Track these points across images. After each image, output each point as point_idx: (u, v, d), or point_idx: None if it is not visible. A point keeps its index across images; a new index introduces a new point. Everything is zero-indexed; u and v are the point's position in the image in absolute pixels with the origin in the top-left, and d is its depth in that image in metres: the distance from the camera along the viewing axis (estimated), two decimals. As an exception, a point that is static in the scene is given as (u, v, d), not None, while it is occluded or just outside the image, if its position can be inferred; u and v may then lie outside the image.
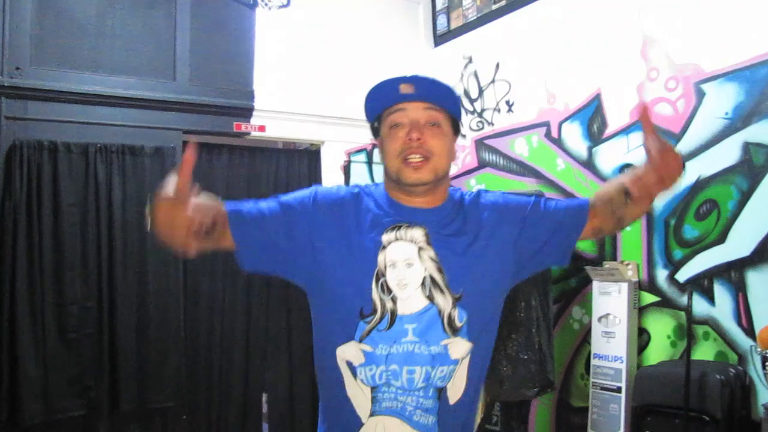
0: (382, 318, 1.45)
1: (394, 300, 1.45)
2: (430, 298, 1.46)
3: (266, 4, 4.48)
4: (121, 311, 3.80)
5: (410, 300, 1.46)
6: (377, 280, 1.45)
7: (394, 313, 1.45)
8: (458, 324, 1.48)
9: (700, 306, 3.21)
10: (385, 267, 1.46)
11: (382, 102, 1.52)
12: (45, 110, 3.73)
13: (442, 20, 5.12)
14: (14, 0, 3.67)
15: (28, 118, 3.67)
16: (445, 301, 1.46)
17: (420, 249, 1.48)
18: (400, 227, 1.50)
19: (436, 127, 1.49)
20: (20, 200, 3.55)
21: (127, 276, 3.84)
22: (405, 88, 1.47)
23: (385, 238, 1.48)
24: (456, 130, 1.58)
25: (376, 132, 1.59)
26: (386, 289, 1.45)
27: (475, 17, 4.77)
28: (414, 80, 1.48)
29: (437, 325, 1.46)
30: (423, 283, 1.46)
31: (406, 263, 1.46)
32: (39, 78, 3.70)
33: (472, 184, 4.67)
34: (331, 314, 1.50)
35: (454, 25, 4.99)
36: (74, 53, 3.86)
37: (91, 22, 3.92)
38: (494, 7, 4.60)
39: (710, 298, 3.18)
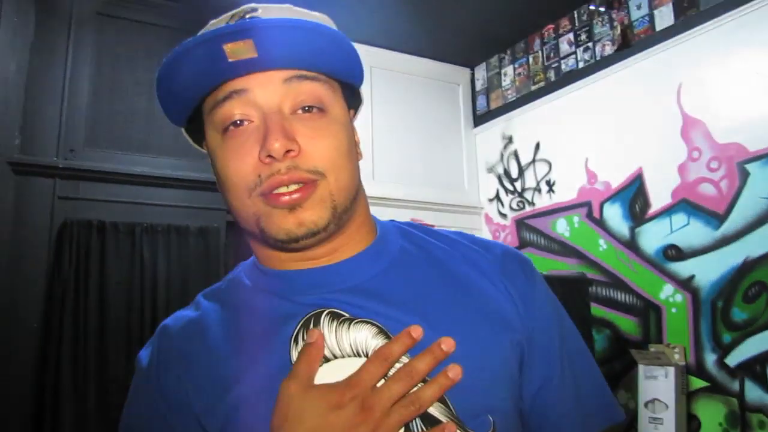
0: None
1: None
2: None
3: (310, 88, 4.60)
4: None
5: None
6: None
7: None
8: None
9: (753, 392, 3.10)
10: None
11: (194, 83, 0.81)
12: (95, 190, 3.84)
13: (481, 101, 5.20)
14: (72, 86, 3.84)
15: (79, 198, 3.78)
16: None
17: None
18: (317, 322, 0.81)
19: (317, 111, 0.81)
20: (69, 278, 3.62)
21: (169, 354, 3.85)
22: (236, 50, 0.75)
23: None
24: (351, 98, 0.91)
25: (195, 136, 0.95)
26: None
27: (515, 98, 4.84)
28: (249, 29, 0.75)
29: None
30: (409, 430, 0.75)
31: None
32: (91, 159, 3.83)
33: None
34: None
35: (493, 105, 5.06)
36: (125, 136, 4.00)
37: (142, 107, 4.07)
38: (533, 88, 4.67)
39: (764, 385, 3.07)
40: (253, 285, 0.91)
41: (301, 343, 0.78)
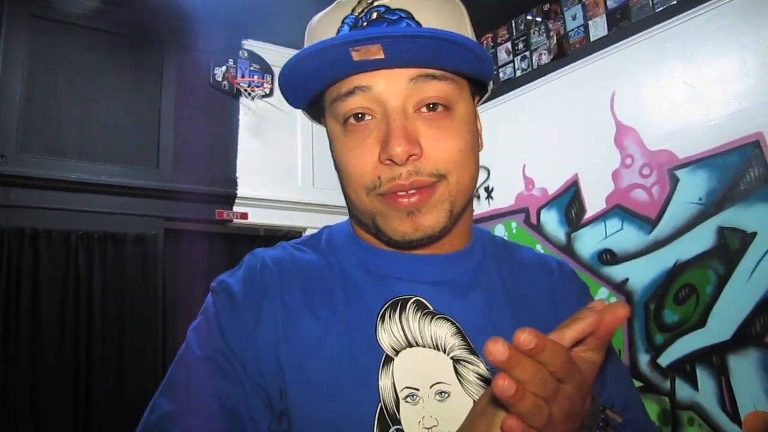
0: None
1: None
2: None
3: (249, 94, 4.58)
4: (96, 403, 3.71)
5: None
6: (384, 430, 0.75)
7: None
8: None
9: (683, 391, 3.19)
10: (397, 400, 0.76)
11: (318, 76, 0.80)
12: (28, 197, 3.73)
13: (421, 109, 5.24)
14: (3, 89, 3.73)
15: (10, 205, 3.67)
16: None
17: (457, 362, 0.80)
18: (404, 306, 0.83)
19: (442, 109, 0.79)
20: (-1, 288, 3.51)
21: (105, 367, 3.77)
22: (363, 53, 0.73)
23: (385, 337, 0.80)
24: (477, 87, 0.88)
25: (313, 115, 0.92)
26: None
27: (454, 107, 4.89)
28: (377, 37, 0.72)
29: None
30: None
31: (435, 393, 0.78)
32: (24, 165, 3.72)
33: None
34: None
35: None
36: (60, 141, 3.90)
37: (77, 111, 3.98)
38: (472, 97, 4.73)
39: (693, 383, 3.17)
40: (350, 256, 0.90)
41: (387, 322, 0.81)
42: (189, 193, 4.25)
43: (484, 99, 0.93)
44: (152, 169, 4.18)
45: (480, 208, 4.56)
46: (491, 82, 0.90)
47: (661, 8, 3.48)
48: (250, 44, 4.69)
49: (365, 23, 0.78)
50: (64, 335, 3.68)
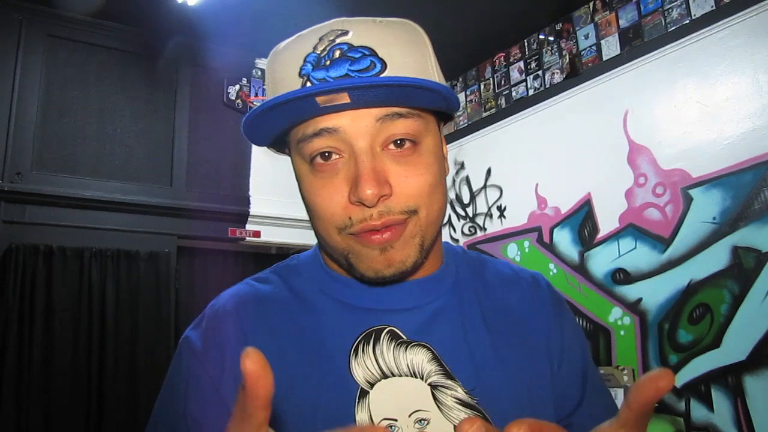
0: None
1: None
2: None
3: (263, 113, 4.60)
4: (109, 419, 3.70)
5: None
6: None
7: None
8: None
9: (698, 412, 3.16)
10: None
11: (283, 121, 0.79)
12: (43, 214, 3.76)
13: (434, 128, 5.24)
14: (20, 107, 3.77)
15: (25, 222, 3.70)
16: None
17: (435, 388, 0.80)
18: (377, 337, 0.83)
19: (409, 145, 0.79)
20: (13, 304, 3.51)
21: (118, 383, 3.76)
22: (328, 100, 0.73)
23: (359, 371, 0.81)
24: (443, 115, 0.91)
25: (278, 148, 0.92)
26: None
27: (466, 124, 4.91)
28: (342, 88, 0.72)
29: None
30: None
31: (415, 421, 0.79)
32: (39, 183, 3.75)
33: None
34: None
35: (445, 131, 5.08)
36: (75, 159, 3.93)
37: (92, 129, 4.02)
38: (484, 115, 4.74)
39: (708, 404, 3.14)
40: (319, 287, 0.90)
41: (360, 355, 0.80)
42: (202, 211, 4.27)
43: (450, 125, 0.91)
44: (166, 187, 4.21)
45: (493, 227, 4.55)
46: (453, 109, 0.88)
47: (674, 27, 3.48)
48: (263, 63, 4.71)
49: (328, 62, 0.76)
50: (77, 352, 3.68)
